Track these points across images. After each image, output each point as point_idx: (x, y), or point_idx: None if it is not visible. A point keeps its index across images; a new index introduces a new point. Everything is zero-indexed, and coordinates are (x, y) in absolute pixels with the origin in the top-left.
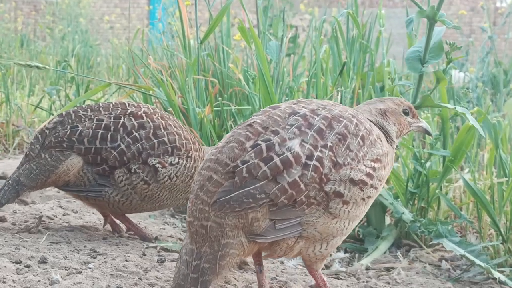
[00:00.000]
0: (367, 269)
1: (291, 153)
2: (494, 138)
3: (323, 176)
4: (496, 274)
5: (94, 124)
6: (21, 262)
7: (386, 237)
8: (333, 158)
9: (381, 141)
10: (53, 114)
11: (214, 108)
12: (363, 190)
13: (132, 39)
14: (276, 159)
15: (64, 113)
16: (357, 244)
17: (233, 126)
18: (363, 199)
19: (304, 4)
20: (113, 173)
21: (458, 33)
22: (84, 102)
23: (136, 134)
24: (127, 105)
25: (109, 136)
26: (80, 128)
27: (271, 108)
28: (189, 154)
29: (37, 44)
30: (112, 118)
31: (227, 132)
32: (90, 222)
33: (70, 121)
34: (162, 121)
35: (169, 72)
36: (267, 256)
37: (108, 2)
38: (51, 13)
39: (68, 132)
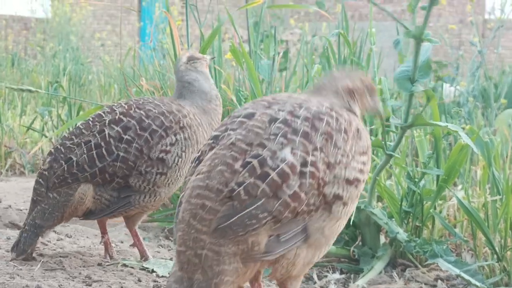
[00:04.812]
0: None
1: (286, 164)
2: (487, 156)
3: (320, 181)
4: None
5: (85, 148)
6: None
7: (381, 257)
8: (325, 159)
9: (362, 130)
10: (45, 136)
11: None
12: (357, 188)
13: (123, 56)
14: (273, 174)
15: (52, 149)
16: (352, 265)
17: None
18: (357, 196)
19: (294, 19)
20: (129, 182)
21: (448, 46)
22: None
23: (126, 136)
24: (103, 115)
25: (104, 151)
26: (74, 159)
27: (246, 118)
28: (181, 125)
29: (28, 62)
30: (97, 135)
31: None
32: (84, 246)
33: (62, 155)
34: (141, 112)
35: (161, 92)
36: (271, 278)
37: (99, 19)
38: (42, 31)
39: (66, 168)
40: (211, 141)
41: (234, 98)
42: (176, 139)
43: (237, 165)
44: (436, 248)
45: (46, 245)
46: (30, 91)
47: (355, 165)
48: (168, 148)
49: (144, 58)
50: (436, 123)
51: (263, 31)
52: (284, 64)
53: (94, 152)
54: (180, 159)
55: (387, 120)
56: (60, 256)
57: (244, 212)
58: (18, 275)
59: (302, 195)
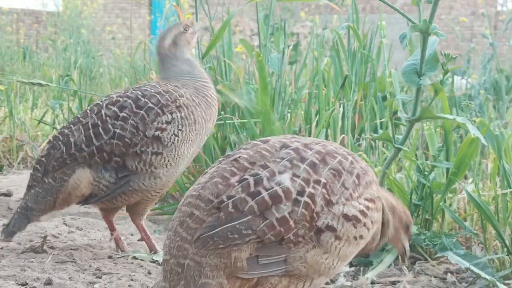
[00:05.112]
0: (373, 283)
1: (280, 187)
2: (497, 149)
3: (314, 214)
4: (502, 287)
5: (82, 130)
6: (27, 284)
7: (391, 250)
8: (326, 196)
9: (377, 185)
10: (56, 129)
11: (217, 122)
12: (356, 228)
13: (134, 50)
14: (264, 194)
15: (51, 138)
16: (362, 257)
17: (236, 139)
18: (355, 238)
19: (304, 12)
20: (126, 164)
21: (459, 39)
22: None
23: (123, 114)
24: (101, 102)
25: (101, 130)
26: (72, 140)
27: (261, 141)
28: (178, 104)
29: (40, 56)
30: (94, 116)
31: (230, 146)
32: (95, 239)
33: (60, 142)
34: (138, 92)
35: None
36: None
37: (110, 13)
38: (53, 25)
39: (64, 150)
40: (222, 158)
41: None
42: (173, 118)
43: (233, 180)
44: (445, 241)
45: (57, 237)
46: (40, 84)
47: (356, 204)
48: (164, 126)
49: (154, 52)
50: (444, 116)
51: (274, 24)
52: (294, 57)
53: (91, 131)
54: (176, 138)
55: (395, 113)
56: (71, 249)
57: (228, 225)
58: (29, 268)
59: (291, 222)
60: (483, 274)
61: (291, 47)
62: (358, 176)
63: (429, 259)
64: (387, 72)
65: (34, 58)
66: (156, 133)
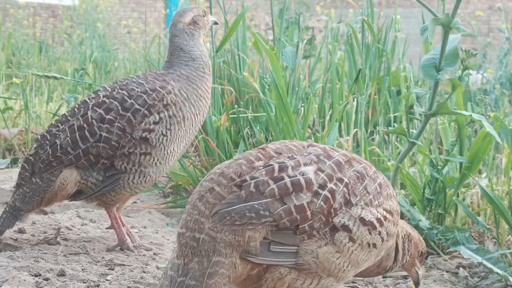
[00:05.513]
0: (384, 277)
1: (304, 177)
2: (511, 144)
3: (332, 210)
4: None
5: (68, 132)
6: (40, 275)
7: None
8: (346, 195)
9: (396, 201)
10: None
11: (230, 116)
12: (371, 234)
13: (149, 43)
14: (287, 180)
15: (39, 137)
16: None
17: (249, 132)
18: (368, 245)
19: (320, 6)
20: (114, 164)
21: (476, 33)
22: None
23: (108, 117)
24: (88, 101)
25: (86, 133)
26: (58, 142)
27: (288, 141)
28: (165, 103)
29: (56, 49)
30: (80, 118)
31: (243, 139)
32: (108, 231)
33: (47, 142)
34: (124, 92)
35: None
36: None
37: (125, 7)
38: (69, 19)
39: (50, 152)
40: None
41: (257, 86)
42: (160, 118)
43: (258, 163)
44: (458, 235)
45: (71, 229)
46: (56, 78)
47: (375, 211)
48: (151, 126)
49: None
50: (460, 112)
51: (289, 18)
52: (309, 51)
53: (77, 134)
54: (165, 138)
55: (411, 107)
56: (84, 241)
57: (247, 204)
58: (42, 259)
59: (308, 212)
60: (495, 269)
61: (305, 41)
62: (380, 185)
63: (441, 253)
64: (402, 66)
65: (50, 52)
66: (144, 135)
